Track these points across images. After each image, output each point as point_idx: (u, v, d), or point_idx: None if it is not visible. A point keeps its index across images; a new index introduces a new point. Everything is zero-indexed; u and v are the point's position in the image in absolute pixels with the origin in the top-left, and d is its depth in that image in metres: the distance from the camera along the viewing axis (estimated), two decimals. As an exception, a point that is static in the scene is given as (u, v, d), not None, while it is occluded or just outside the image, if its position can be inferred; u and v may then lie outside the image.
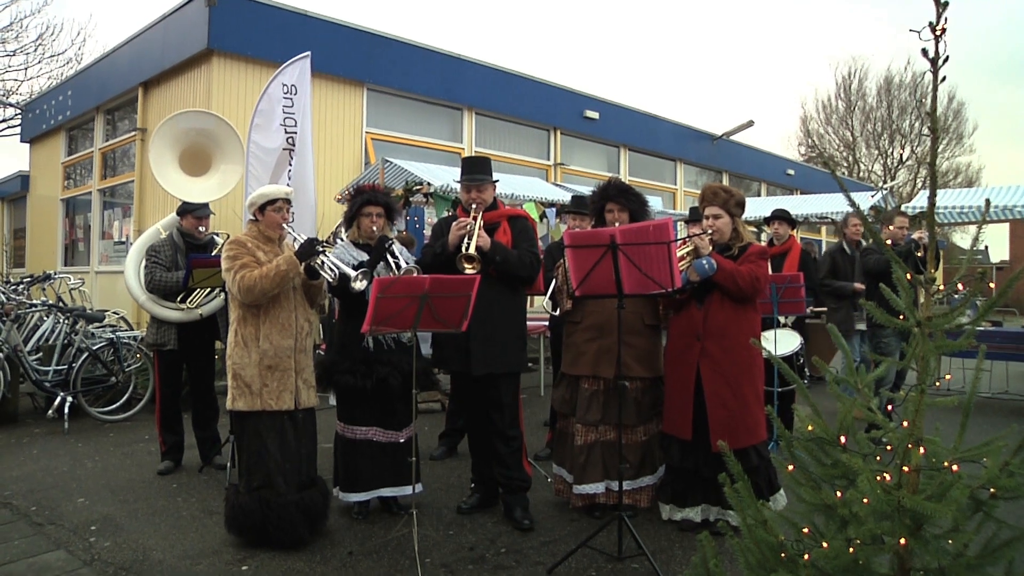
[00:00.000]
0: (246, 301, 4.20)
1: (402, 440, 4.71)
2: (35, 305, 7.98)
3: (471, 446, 5.05)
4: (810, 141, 41.57)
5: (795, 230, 7.48)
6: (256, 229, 4.44)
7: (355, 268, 4.29)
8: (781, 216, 7.08)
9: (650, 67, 66.47)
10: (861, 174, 39.28)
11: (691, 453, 4.58)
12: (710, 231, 4.61)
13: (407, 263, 4.58)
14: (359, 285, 4.20)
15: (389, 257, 4.57)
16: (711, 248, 4.52)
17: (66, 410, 7.25)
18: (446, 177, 8.33)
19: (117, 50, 12.56)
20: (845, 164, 40.26)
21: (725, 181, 19.99)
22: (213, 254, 5.67)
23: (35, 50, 21.77)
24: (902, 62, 51.68)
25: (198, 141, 5.94)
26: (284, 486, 4.22)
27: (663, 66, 67.17)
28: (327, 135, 11.20)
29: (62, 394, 7.32)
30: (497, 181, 4.84)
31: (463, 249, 4.39)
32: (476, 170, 4.73)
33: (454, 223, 4.56)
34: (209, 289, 5.74)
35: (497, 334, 4.57)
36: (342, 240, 4.86)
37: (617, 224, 4.77)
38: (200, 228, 5.81)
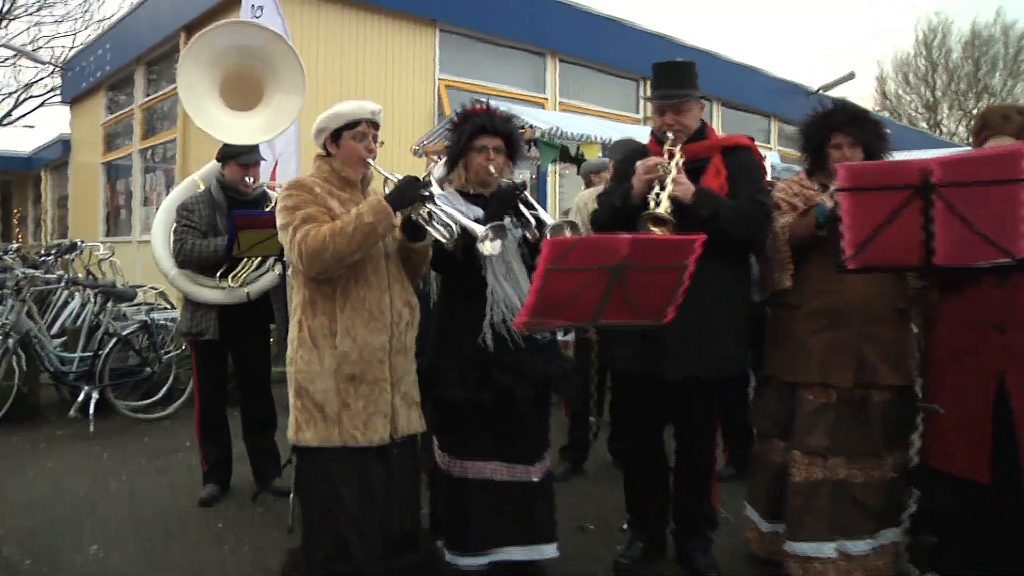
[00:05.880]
0: (312, 272, 2.72)
1: (535, 479, 3.22)
2: (50, 281, 6.66)
3: (635, 476, 3.61)
4: (887, 103, 38.96)
5: None
6: (328, 167, 2.95)
7: (479, 222, 2.80)
8: None
9: (735, 13, 62.97)
10: (943, 136, 36.70)
11: (978, 503, 3.03)
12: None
13: (551, 219, 3.02)
14: (491, 247, 2.71)
15: (525, 210, 3.02)
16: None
17: (91, 408, 5.93)
18: (553, 120, 6.76)
19: (157, -8, 11.23)
20: (925, 125, 37.65)
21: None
22: (267, 211, 4.22)
23: (82, 15, 20.92)
24: (989, 15, 48.21)
25: (243, 64, 4.45)
26: (363, 551, 2.77)
27: (745, 13, 63.58)
28: (395, 81, 9.70)
29: (86, 389, 5.99)
30: (704, 98, 3.30)
31: (651, 205, 2.86)
32: (673, 81, 3.24)
33: (639, 163, 3.05)
34: (260, 260, 4.29)
35: (705, 321, 3.09)
36: (440, 190, 3.32)
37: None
38: (247, 179, 4.34)
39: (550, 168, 9.34)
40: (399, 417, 2.86)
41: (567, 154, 6.81)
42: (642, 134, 5.65)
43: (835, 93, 18.24)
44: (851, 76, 17.77)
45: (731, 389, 4.31)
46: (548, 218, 2.89)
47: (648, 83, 12.89)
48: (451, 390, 3.09)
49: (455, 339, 3.15)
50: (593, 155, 6.59)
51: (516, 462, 3.19)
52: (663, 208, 2.82)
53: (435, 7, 10.24)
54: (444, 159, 3.42)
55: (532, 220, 2.94)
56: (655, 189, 2.95)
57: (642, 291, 2.38)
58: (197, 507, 4.33)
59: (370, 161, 2.93)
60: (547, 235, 2.78)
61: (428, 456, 3.40)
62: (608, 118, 11.93)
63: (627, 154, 3.75)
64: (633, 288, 2.34)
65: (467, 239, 2.74)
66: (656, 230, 2.77)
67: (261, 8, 6.17)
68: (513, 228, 3.01)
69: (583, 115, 10.52)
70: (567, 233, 2.76)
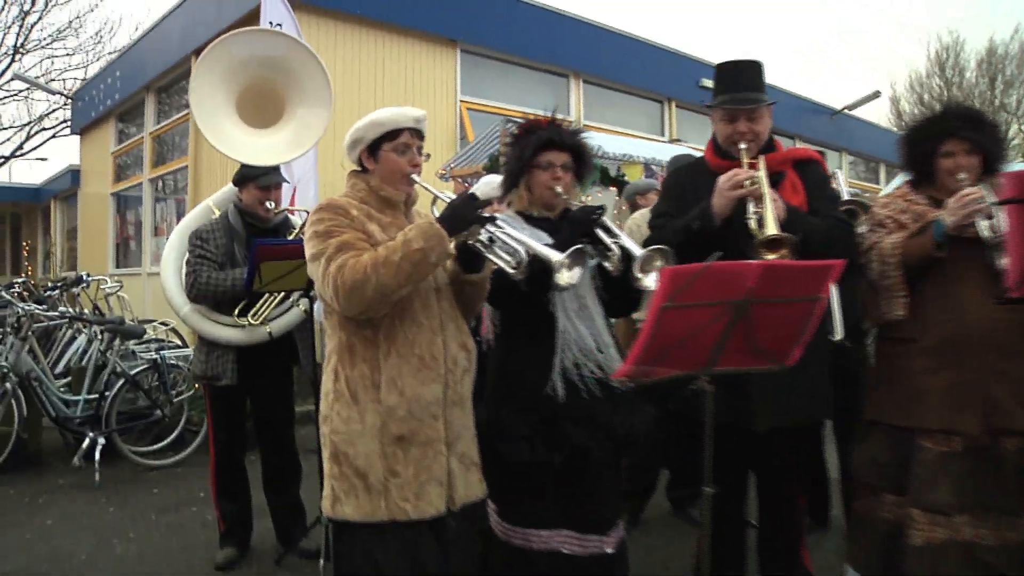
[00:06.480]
0: (351, 311, 2.26)
1: (610, 550, 2.72)
2: (52, 317, 6.23)
3: (713, 540, 3.09)
4: (901, 123, 38.55)
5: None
6: (364, 185, 2.49)
7: (553, 247, 2.34)
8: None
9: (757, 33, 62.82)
10: (960, 157, 36.27)
11: None
12: None
13: (639, 249, 2.52)
14: (568, 277, 2.25)
15: (605, 236, 2.54)
16: None
17: (97, 455, 5.46)
18: (593, 140, 6.31)
19: (166, 18, 10.91)
20: (942, 146, 37.14)
21: (845, 162, 17.80)
22: (290, 238, 3.78)
23: (93, 47, 20.89)
24: (1007, 31, 47.65)
25: (263, 76, 4.05)
26: None
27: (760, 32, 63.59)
28: (414, 102, 9.14)
29: (92, 434, 5.53)
30: (774, 103, 2.89)
31: (759, 226, 2.41)
32: (745, 84, 2.85)
33: (722, 178, 2.62)
34: (283, 295, 3.84)
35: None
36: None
37: (962, 176, 2.78)
38: (267, 203, 3.89)
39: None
40: (456, 483, 2.38)
41: (607, 175, 6.36)
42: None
43: (857, 113, 17.89)
44: (876, 95, 17.36)
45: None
46: (635, 248, 2.41)
47: (672, 104, 12.58)
48: (517, 450, 2.61)
49: (518, 387, 2.67)
50: (635, 176, 6.16)
51: (588, 532, 2.70)
52: (772, 227, 2.35)
53: (456, 27, 9.89)
54: (479, 181, 2.99)
55: (615, 249, 2.46)
56: (751, 207, 2.50)
57: (767, 329, 1.91)
58: (214, 573, 3.85)
59: (415, 178, 2.47)
60: (636, 269, 2.32)
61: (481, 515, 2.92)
62: (634, 139, 11.57)
63: (679, 168, 3.35)
64: (758, 326, 1.87)
65: (537, 267, 2.27)
66: (770, 256, 2.30)
67: (279, 26, 5.96)
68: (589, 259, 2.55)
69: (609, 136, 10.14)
70: (658, 264, 2.30)
